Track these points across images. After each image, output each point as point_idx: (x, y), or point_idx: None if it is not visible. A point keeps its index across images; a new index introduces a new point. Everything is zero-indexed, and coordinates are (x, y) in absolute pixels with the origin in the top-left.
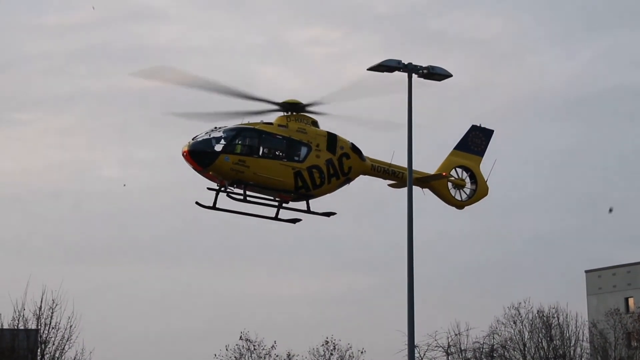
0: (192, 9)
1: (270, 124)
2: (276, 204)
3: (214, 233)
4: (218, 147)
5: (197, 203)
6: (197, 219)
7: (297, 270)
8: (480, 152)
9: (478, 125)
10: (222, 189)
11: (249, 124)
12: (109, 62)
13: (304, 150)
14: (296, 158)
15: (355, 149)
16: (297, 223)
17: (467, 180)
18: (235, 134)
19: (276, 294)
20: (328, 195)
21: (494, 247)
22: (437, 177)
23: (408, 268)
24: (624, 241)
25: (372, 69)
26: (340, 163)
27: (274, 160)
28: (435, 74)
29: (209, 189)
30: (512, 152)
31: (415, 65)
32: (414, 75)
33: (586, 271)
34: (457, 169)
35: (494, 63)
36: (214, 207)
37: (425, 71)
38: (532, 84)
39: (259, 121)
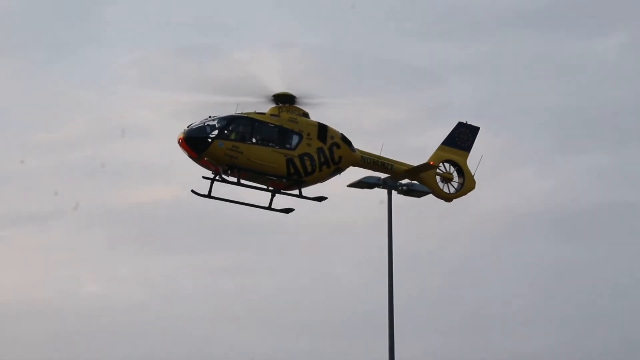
0: (177, 124)
1: (263, 113)
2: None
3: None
4: (212, 134)
5: (192, 191)
6: (182, 333)
7: None
8: (467, 148)
9: (464, 122)
10: (217, 176)
11: (242, 113)
12: (95, 179)
13: (295, 138)
14: (288, 146)
15: (345, 140)
16: (289, 213)
17: (455, 174)
18: (228, 122)
19: None
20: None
21: None
22: (425, 166)
23: None
24: None
25: (352, 185)
26: (331, 152)
27: (267, 148)
28: (415, 190)
29: (204, 177)
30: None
31: (395, 182)
32: (394, 192)
33: None
34: (444, 163)
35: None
36: (209, 196)
37: (404, 188)
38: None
39: (252, 111)
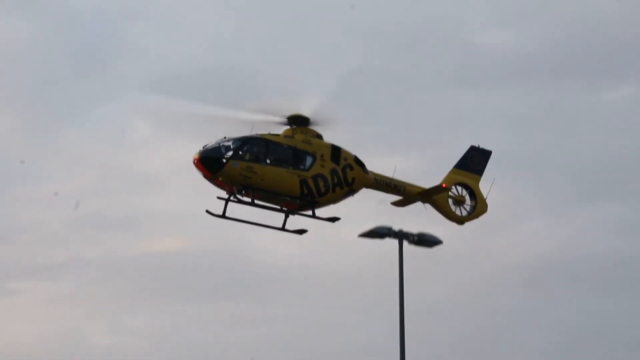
0: (186, 176)
1: (277, 135)
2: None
3: None
4: (227, 154)
5: (207, 211)
6: None
7: None
8: (479, 172)
9: (477, 146)
10: (231, 196)
11: (256, 134)
12: (104, 230)
13: (309, 159)
14: (302, 167)
15: (358, 162)
16: (303, 234)
17: (467, 197)
18: (243, 142)
19: None
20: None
21: None
22: (438, 189)
23: None
24: None
25: (363, 235)
26: (344, 173)
27: (281, 168)
28: (426, 240)
29: (218, 198)
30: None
31: (406, 232)
32: (405, 242)
33: None
34: (457, 186)
35: (485, 230)
36: (223, 216)
37: (415, 238)
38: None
39: (266, 132)
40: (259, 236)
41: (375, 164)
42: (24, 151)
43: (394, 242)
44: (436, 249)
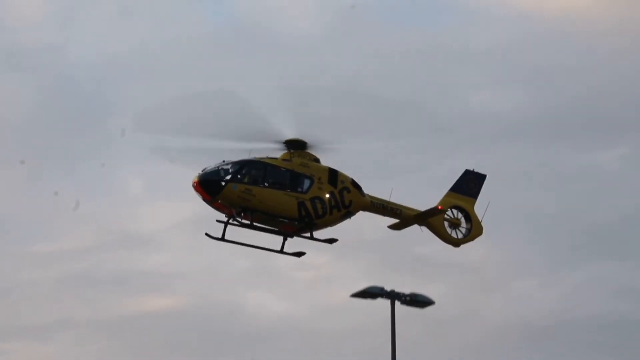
0: (181, 234)
1: (275, 158)
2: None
3: None
4: (226, 178)
5: (206, 234)
6: None
7: None
8: (474, 195)
9: (471, 170)
10: (230, 219)
11: (255, 158)
12: (96, 289)
13: (306, 182)
14: (299, 189)
15: (355, 185)
16: (301, 257)
17: (462, 220)
18: (241, 166)
19: None
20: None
21: None
22: (433, 211)
23: None
24: None
25: (355, 295)
26: (342, 196)
27: (279, 191)
28: (418, 301)
29: (217, 221)
30: None
31: (398, 293)
32: (397, 302)
33: None
34: (452, 209)
35: (479, 288)
36: (222, 239)
37: (408, 298)
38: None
39: (264, 156)
40: (250, 294)
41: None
42: (15, 208)
43: (386, 303)
44: (429, 309)
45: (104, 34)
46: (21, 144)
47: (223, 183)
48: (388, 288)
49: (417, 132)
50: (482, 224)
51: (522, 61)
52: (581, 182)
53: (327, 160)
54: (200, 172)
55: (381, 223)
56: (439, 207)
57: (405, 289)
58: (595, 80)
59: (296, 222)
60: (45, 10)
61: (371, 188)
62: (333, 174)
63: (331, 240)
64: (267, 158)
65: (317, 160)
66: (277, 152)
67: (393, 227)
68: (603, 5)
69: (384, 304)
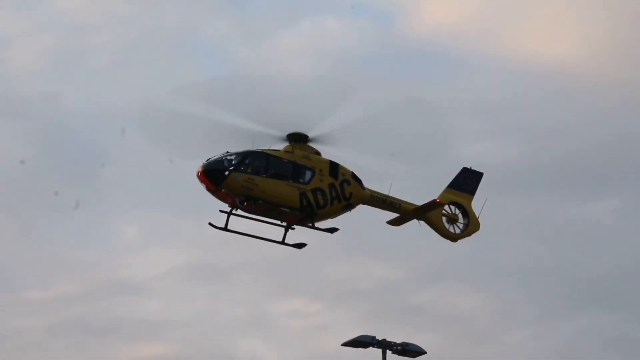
0: (174, 281)
1: (278, 150)
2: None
3: None
4: (230, 167)
5: (210, 224)
6: None
7: None
8: (471, 192)
9: (469, 167)
10: (233, 209)
11: (258, 149)
12: (89, 336)
13: (308, 173)
14: (301, 180)
15: (355, 177)
16: (302, 248)
17: (460, 215)
18: (245, 156)
19: None
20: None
21: None
22: (432, 204)
23: None
24: None
25: (346, 344)
26: (342, 188)
27: (281, 181)
28: (409, 350)
29: (221, 211)
30: None
31: (390, 342)
32: (388, 352)
33: None
34: (450, 205)
35: (472, 339)
36: (225, 229)
37: (399, 347)
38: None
39: (266, 148)
40: (243, 342)
41: None
42: (7, 255)
43: (378, 352)
44: (420, 359)
45: (99, 84)
46: (14, 191)
47: (227, 172)
48: (379, 337)
49: (408, 180)
50: (479, 220)
51: (515, 114)
52: (573, 234)
53: (327, 154)
54: (204, 161)
55: (375, 271)
56: (437, 200)
57: (397, 338)
58: (588, 134)
59: (298, 212)
60: (41, 60)
61: (370, 183)
62: (334, 167)
63: (332, 230)
64: (270, 150)
65: (318, 153)
66: (279, 144)
67: (392, 222)
68: (597, 62)
69: (375, 353)
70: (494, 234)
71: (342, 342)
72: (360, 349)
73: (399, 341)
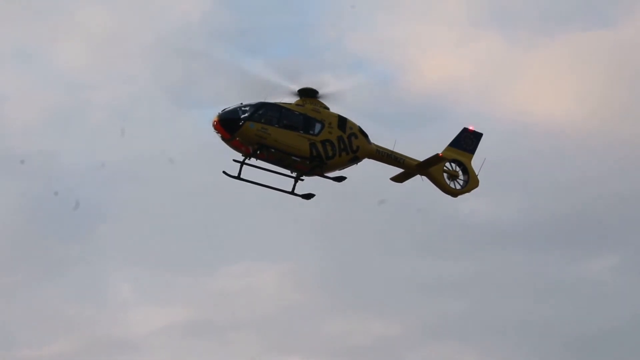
0: (169, 339)
1: (289, 103)
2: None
3: None
4: (244, 117)
5: (224, 172)
6: None
7: None
8: (472, 150)
9: (468, 128)
10: (247, 159)
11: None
12: None
13: (318, 126)
14: (311, 132)
15: (362, 132)
16: (310, 199)
17: (460, 172)
18: (258, 107)
19: None
20: None
21: None
22: (434, 158)
23: None
24: None
25: None
26: (350, 141)
27: (292, 132)
28: None
29: (234, 160)
30: None
31: None
32: None
33: None
34: (451, 162)
35: None
36: (238, 177)
37: None
38: None
39: (279, 100)
40: None
41: None
42: (2, 313)
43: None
44: None
45: (96, 141)
46: (9, 247)
47: (241, 122)
48: None
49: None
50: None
51: (512, 172)
52: (570, 291)
53: (335, 109)
54: (220, 112)
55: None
56: (440, 155)
57: None
58: (586, 193)
59: (308, 162)
60: (39, 117)
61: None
62: (342, 121)
63: (340, 178)
64: (282, 103)
65: (327, 108)
66: (291, 99)
67: (395, 179)
68: (595, 122)
69: None
70: (488, 292)
71: None
72: None
73: None
